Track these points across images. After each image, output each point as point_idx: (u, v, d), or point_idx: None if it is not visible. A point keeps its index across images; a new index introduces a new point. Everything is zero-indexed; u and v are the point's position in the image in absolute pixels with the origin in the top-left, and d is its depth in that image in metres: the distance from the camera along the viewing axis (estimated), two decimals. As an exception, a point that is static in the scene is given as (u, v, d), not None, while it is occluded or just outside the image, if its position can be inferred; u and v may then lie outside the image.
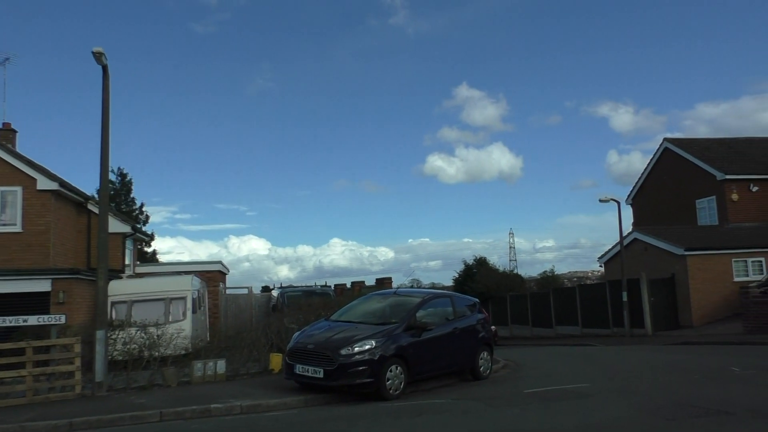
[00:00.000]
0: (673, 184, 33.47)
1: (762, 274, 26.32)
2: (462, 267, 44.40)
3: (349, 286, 33.37)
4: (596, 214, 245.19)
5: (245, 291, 28.76)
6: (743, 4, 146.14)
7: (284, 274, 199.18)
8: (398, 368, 10.69)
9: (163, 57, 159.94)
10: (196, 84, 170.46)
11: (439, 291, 14.65)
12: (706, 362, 14.27)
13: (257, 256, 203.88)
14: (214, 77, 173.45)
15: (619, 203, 28.42)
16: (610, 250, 31.51)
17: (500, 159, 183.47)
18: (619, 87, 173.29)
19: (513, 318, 37.70)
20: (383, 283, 31.12)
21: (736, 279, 26.33)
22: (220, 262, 26.69)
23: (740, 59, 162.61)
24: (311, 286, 32.05)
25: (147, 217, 41.95)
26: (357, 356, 10.31)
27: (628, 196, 37.29)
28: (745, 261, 26.70)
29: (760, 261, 26.77)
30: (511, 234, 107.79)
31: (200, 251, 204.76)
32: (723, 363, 13.81)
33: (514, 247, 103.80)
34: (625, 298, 27.16)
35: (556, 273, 46.55)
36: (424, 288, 32.25)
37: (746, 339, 19.93)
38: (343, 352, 10.34)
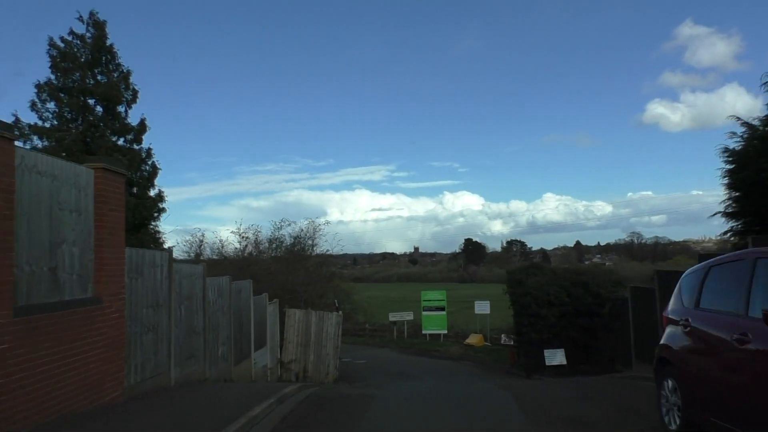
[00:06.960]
0: None
1: None
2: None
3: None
4: None
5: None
6: None
7: (497, 229, 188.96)
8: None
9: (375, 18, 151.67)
10: (405, 44, 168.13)
11: None
12: None
13: (471, 211, 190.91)
14: (424, 37, 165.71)
15: None
16: None
17: (735, 102, 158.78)
18: None
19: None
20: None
21: None
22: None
23: None
24: None
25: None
26: None
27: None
28: None
29: None
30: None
31: (417, 207, 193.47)
32: None
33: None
34: None
35: None
36: None
37: None
38: None
